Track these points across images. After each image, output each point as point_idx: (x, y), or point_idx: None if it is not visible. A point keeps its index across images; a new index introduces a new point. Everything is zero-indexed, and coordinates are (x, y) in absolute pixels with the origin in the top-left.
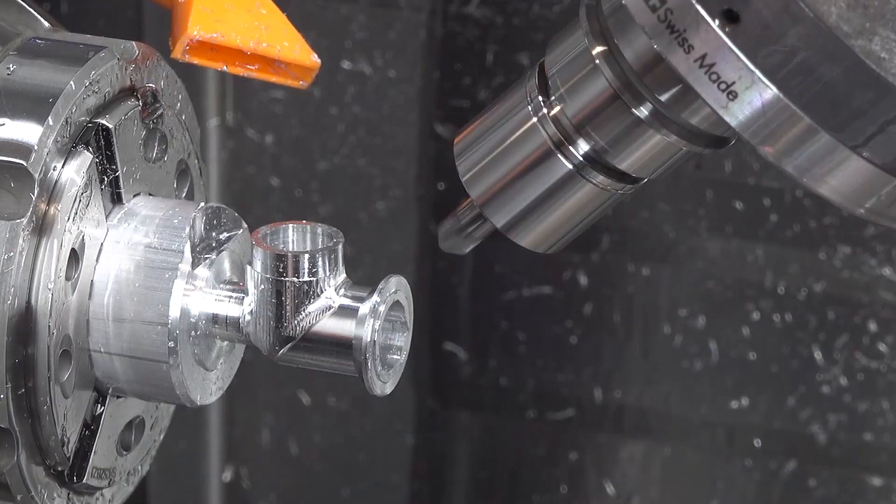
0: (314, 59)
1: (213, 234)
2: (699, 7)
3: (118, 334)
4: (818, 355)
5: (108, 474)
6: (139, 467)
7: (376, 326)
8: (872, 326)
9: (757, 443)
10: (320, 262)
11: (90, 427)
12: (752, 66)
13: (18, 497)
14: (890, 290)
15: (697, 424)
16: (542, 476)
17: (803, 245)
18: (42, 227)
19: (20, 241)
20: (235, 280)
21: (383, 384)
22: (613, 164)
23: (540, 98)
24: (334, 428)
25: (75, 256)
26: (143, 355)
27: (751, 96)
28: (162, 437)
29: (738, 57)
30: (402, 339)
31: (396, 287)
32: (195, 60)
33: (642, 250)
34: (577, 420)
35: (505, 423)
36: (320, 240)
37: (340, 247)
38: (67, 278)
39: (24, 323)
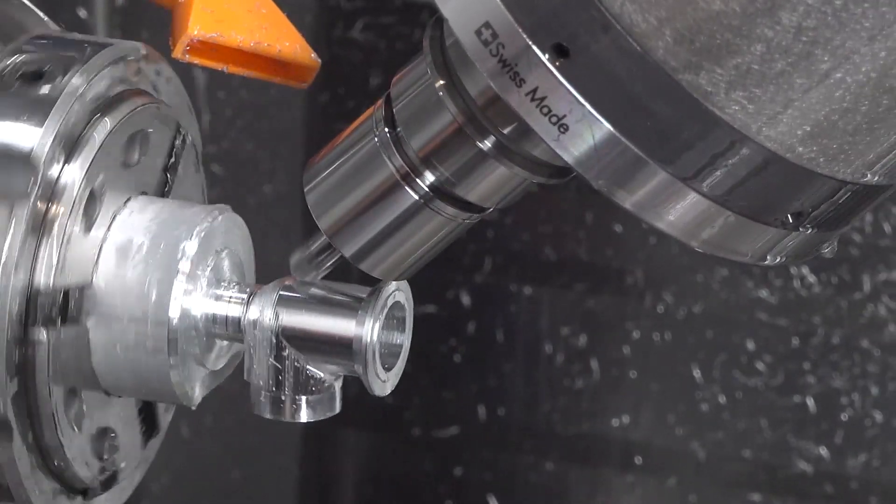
0: (314, 59)
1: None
2: (529, 42)
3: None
4: (697, 374)
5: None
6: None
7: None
8: (750, 346)
9: (638, 459)
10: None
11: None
12: (581, 100)
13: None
14: (766, 311)
15: (579, 441)
16: (427, 492)
17: (682, 267)
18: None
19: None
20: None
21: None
22: (460, 195)
23: (386, 129)
24: (225, 411)
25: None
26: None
27: (581, 129)
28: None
29: (567, 90)
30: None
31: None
32: (195, 60)
33: (524, 271)
34: (462, 437)
35: (391, 441)
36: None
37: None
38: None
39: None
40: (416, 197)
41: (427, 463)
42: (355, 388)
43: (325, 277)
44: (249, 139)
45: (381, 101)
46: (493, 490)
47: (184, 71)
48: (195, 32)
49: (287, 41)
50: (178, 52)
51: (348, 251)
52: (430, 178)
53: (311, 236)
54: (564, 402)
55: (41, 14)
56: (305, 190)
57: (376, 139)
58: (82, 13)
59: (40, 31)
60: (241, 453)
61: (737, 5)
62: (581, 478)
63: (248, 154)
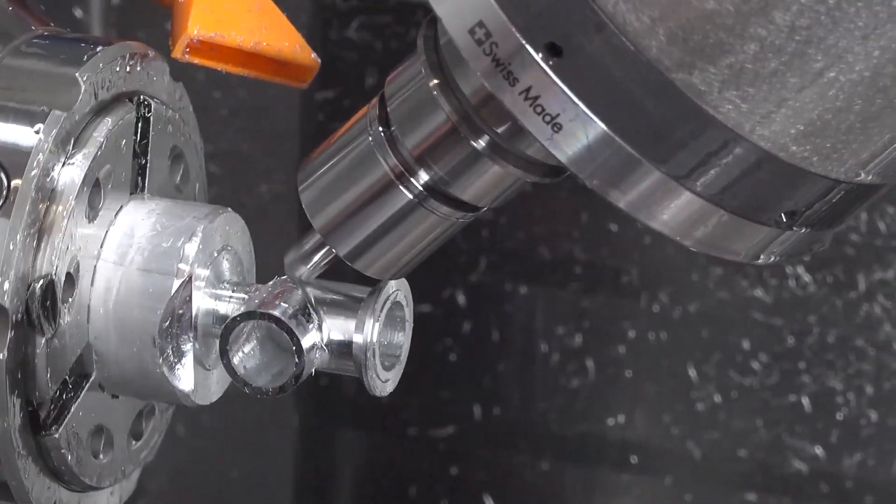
0: (314, 59)
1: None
2: (523, 41)
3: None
4: (693, 373)
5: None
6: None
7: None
8: (745, 345)
9: (633, 459)
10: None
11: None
12: (575, 99)
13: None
14: (761, 310)
15: (575, 440)
16: (424, 491)
17: (677, 266)
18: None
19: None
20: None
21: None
22: (454, 195)
23: (380, 129)
24: (222, 410)
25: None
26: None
27: (575, 128)
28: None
29: (561, 90)
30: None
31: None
32: (195, 60)
33: (519, 270)
34: (458, 436)
35: (387, 440)
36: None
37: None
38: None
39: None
40: (411, 196)
41: (423, 462)
42: (352, 388)
43: (318, 277)
44: (245, 139)
45: (375, 101)
46: (488, 489)
47: (182, 70)
48: (195, 32)
49: (287, 41)
50: (177, 52)
51: (342, 250)
52: (424, 177)
53: (306, 235)
54: (560, 401)
55: (39, 15)
56: (300, 189)
57: (370, 138)
58: (78, 12)
59: (40, 31)
60: (239, 452)
61: (730, 5)
62: (577, 477)
63: (245, 154)
